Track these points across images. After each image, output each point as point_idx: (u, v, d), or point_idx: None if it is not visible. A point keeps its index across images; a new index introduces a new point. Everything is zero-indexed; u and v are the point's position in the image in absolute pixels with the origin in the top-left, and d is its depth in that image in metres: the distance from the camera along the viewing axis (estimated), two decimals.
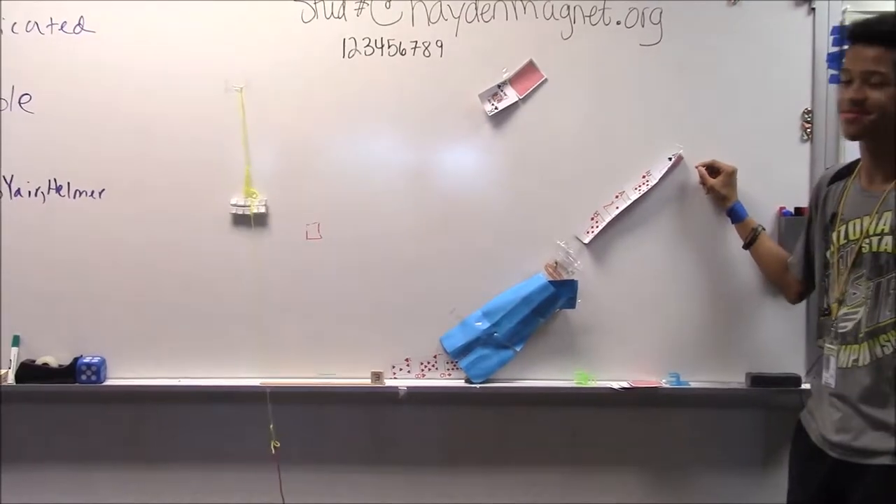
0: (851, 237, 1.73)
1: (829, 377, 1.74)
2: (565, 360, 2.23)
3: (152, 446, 2.31)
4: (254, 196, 2.18)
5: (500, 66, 2.18)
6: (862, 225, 1.71)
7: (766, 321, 2.20)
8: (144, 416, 2.29)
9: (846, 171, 1.82)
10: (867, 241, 1.69)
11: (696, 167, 2.16)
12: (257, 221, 2.19)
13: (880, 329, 1.67)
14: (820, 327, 1.83)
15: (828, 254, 1.79)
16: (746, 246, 2.11)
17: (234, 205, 2.18)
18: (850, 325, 1.71)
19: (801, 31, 2.19)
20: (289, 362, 2.22)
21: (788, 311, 2.17)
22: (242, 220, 2.19)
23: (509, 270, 2.20)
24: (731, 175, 2.12)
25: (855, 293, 1.71)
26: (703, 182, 2.16)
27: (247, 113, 2.18)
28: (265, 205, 2.19)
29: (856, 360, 1.69)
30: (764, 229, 2.10)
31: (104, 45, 2.16)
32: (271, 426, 2.20)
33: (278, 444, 2.20)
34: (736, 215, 2.11)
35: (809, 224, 1.92)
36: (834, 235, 1.76)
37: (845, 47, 1.78)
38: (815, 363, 1.83)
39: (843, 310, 1.72)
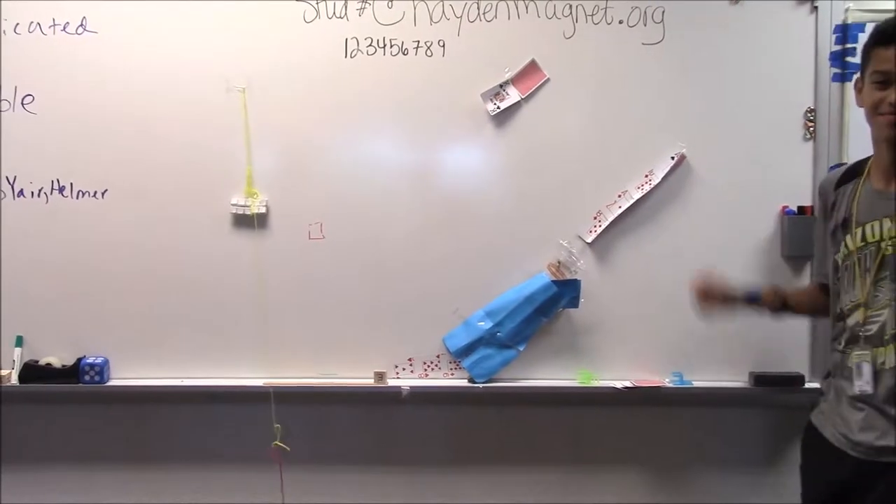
0: (870, 239, 1.71)
1: (864, 384, 1.70)
2: (568, 360, 2.23)
3: (155, 446, 2.31)
4: (255, 196, 2.18)
5: (503, 65, 2.18)
6: (882, 227, 1.69)
7: (770, 320, 2.18)
8: (147, 416, 2.29)
9: (853, 173, 1.80)
10: (890, 243, 1.67)
11: (696, 290, 1.94)
12: (259, 222, 2.19)
13: None
14: (832, 329, 1.81)
15: (838, 257, 1.78)
16: (779, 309, 1.93)
17: (235, 204, 2.18)
18: (874, 327, 1.69)
19: (804, 30, 2.19)
20: (291, 362, 2.22)
21: None
22: (245, 221, 2.19)
23: (512, 270, 2.20)
24: (723, 277, 1.97)
25: (878, 296, 1.69)
26: (707, 297, 1.93)
27: (249, 113, 2.18)
28: (266, 205, 2.19)
29: (883, 363, 1.67)
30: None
31: (106, 46, 2.17)
32: (277, 426, 2.20)
33: (281, 445, 2.20)
34: (754, 296, 1.93)
35: (824, 230, 1.87)
36: (848, 239, 1.74)
37: (857, 47, 1.76)
38: (841, 367, 1.77)
39: (868, 313, 1.71)
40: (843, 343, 1.75)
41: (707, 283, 1.95)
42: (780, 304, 1.94)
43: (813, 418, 1.85)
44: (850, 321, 1.73)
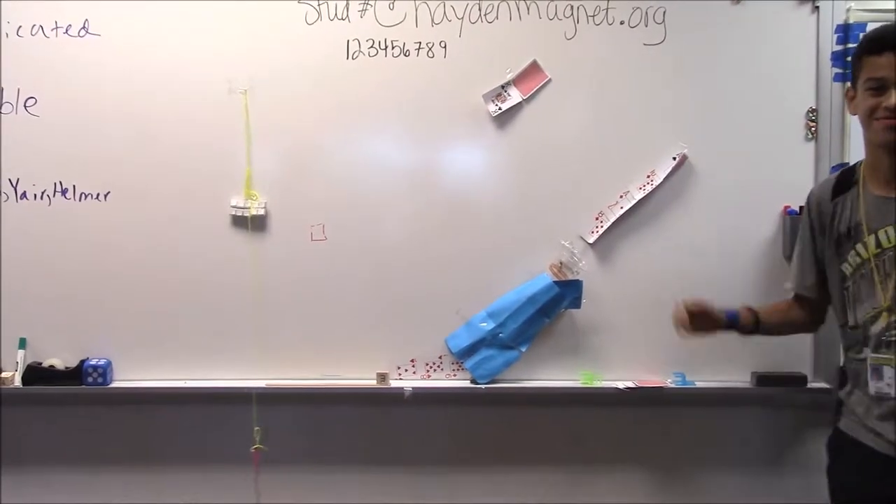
0: (885, 245, 1.71)
1: (885, 386, 1.70)
2: (570, 361, 2.23)
3: (158, 447, 2.30)
4: (254, 198, 2.19)
5: (504, 66, 2.18)
6: None
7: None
8: (150, 417, 2.29)
9: (846, 183, 1.80)
10: None
11: (685, 310, 1.88)
12: (262, 223, 2.19)
13: None
14: (846, 339, 1.82)
15: (845, 268, 1.78)
16: (754, 329, 1.92)
17: (234, 206, 2.18)
18: None
19: (805, 30, 2.19)
20: (294, 364, 2.22)
21: None
22: (246, 223, 2.19)
23: (514, 271, 2.20)
24: (701, 302, 1.91)
25: None
26: (696, 319, 1.88)
27: (251, 115, 2.18)
28: (265, 207, 2.19)
29: None
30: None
31: (109, 48, 2.17)
32: (256, 429, 2.22)
33: (261, 447, 2.22)
34: (733, 318, 1.91)
35: (814, 243, 1.87)
36: (860, 247, 1.74)
37: (857, 52, 1.76)
38: (864, 374, 1.76)
39: (893, 317, 1.70)
40: (869, 352, 1.74)
41: (699, 305, 1.89)
42: (753, 324, 1.91)
43: (843, 427, 1.83)
44: (875, 328, 1.73)
